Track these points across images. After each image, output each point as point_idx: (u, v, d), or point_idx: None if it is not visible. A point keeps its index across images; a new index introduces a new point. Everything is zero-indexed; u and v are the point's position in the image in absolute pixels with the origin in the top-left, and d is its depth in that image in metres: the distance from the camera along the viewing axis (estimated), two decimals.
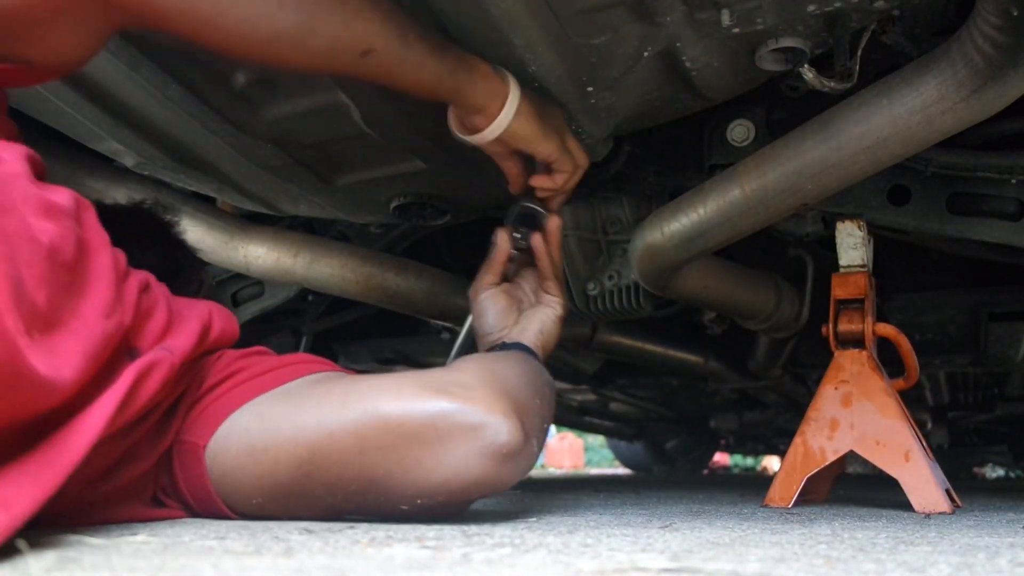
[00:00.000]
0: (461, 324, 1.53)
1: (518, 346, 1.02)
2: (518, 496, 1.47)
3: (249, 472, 0.79)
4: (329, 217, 1.38)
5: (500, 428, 0.75)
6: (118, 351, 0.73)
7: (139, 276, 0.80)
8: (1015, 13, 0.76)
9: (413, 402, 0.76)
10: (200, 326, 0.84)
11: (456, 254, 1.81)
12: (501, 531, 0.73)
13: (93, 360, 0.66)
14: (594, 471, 6.80)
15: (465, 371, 0.81)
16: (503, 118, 0.94)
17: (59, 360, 0.61)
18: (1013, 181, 1.14)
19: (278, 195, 1.28)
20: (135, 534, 0.67)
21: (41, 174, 0.70)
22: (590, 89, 0.99)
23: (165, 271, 0.93)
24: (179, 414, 0.84)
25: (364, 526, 0.76)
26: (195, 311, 0.87)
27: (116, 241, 0.76)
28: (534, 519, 0.88)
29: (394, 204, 1.27)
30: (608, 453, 7.02)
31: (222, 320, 0.89)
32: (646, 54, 0.94)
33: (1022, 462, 4.62)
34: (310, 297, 1.84)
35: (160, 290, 0.84)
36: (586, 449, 8.87)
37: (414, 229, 1.55)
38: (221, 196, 1.32)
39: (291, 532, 0.70)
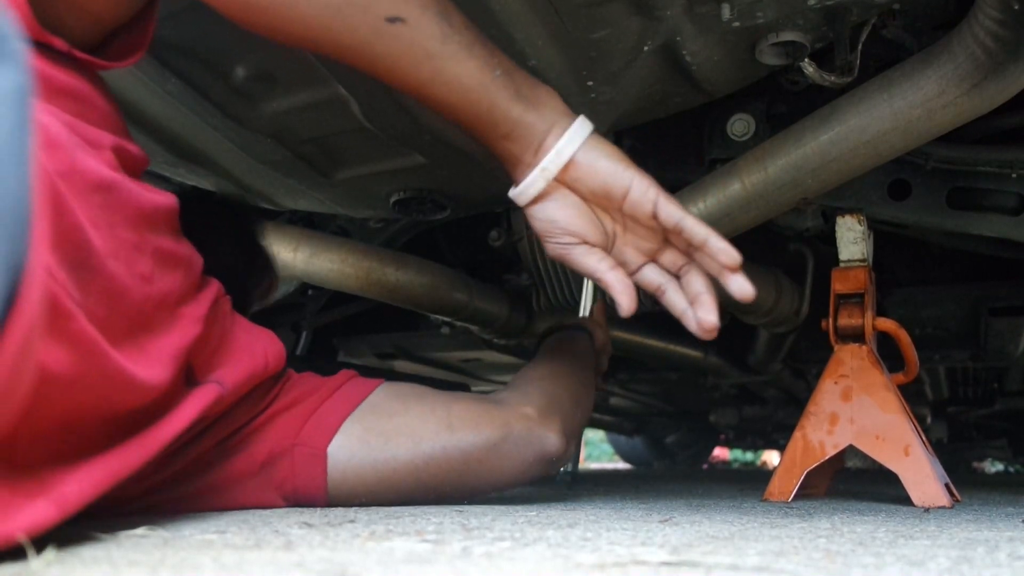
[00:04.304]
0: (459, 320, 1.53)
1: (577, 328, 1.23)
2: (518, 490, 1.47)
3: (371, 477, 0.91)
4: (328, 212, 1.38)
5: (549, 441, 0.96)
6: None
7: (212, 289, 0.80)
8: (1016, 7, 0.76)
9: (502, 428, 0.95)
10: (262, 365, 0.85)
11: (456, 249, 1.81)
12: (501, 525, 0.73)
13: (179, 364, 0.71)
14: (594, 466, 6.81)
15: (530, 397, 1.00)
16: (571, 137, 0.74)
17: (148, 362, 0.66)
18: (1013, 175, 1.14)
19: (278, 190, 1.28)
20: (135, 527, 0.67)
21: (134, 167, 0.70)
22: (590, 83, 0.99)
23: (240, 267, 1.01)
24: (255, 427, 0.89)
25: (364, 520, 0.76)
26: (256, 342, 0.86)
27: (193, 233, 0.76)
28: (534, 513, 0.88)
29: (394, 199, 1.27)
30: (608, 448, 7.02)
31: (274, 351, 0.88)
32: (646, 48, 0.94)
33: (1021, 457, 4.62)
34: (310, 292, 1.84)
35: (224, 305, 0.83)
36: (586, 444, 8.88)
37: (414, 224, 1.55)
38: (220, 191, 1.32)
39: (291, 526, 0.70)
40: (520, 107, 0.73)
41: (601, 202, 0.78)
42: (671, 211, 0.77)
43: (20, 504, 0.53)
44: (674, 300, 0.81)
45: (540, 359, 1.15)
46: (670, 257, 0.81)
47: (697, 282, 0.80)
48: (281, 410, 0.90)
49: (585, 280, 1.29)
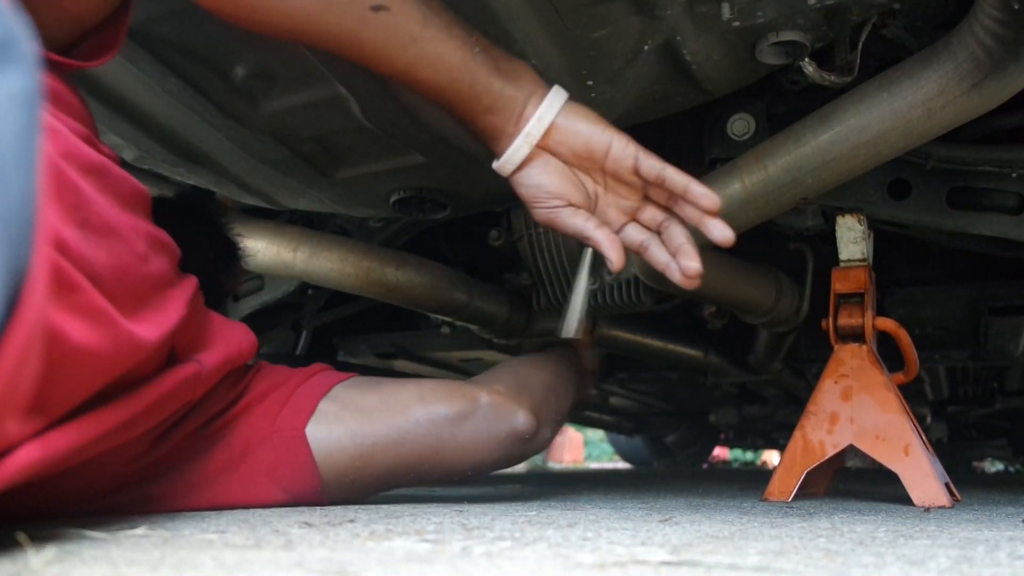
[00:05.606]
0: (459, 320, 1.53)
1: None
2: (518, 490, 1.47)
3: (352, 453, 0.93)
4: (328, 211, 1.37)
5: (519, 417, 1.00)
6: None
7: (192, 280, 0.82)
8: (1016, 7, 0.76)
9: (471, 400, 0.99)
10: (236, 351, 0.88)
11: (456, 248, 1.81)
12: (501, 524, 0.73)
13: (167, 336, 0.73)
14: (594, 465, 6.81)
15: (499, 377, 1.05)
16: (550, 103, 0.78)
17: (145, 326, 0.69)
18: (1013, 175, 1.14)
19: (278, 189, 1.28)
20: (135, 527, 0.67)
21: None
22: (590, 83, 0.99)
23: (212, 262, 1.05)
24: (232, 415, 0.91)
25: (364, 519, 0.76)
26: (231, 332, 0.90)
27: (168, 233, 0.78)
28: (534, 512, 0.88)
29: (394, 198, 1.27)
30: (608, 447, 7.02)
31: (248, 341, 0.92)
32: (646, 48, 0.94)
33: (1021, 456, 4.62)
34: (310, 291, 1.84)
35: (200, 298, 0.86)
36: (586, 443, 8.88)
37: (414, 223, 1.55)
38: (221, 190, 1.32)
39: (291, 526, 0.70)
40: (500, 80, 0.77)
41: (584, 163, 0.81)
42: (651, 163, 0.81)
43: (6, 452, 0.55)
44: (657, 255, 0.84)
45: (521, 358, 1.21)
46: (650, 213, 0.85)
47: (678, 234, 0.83)
48: (255, 400, 0.93)
49: (572, 298, 1.26)
